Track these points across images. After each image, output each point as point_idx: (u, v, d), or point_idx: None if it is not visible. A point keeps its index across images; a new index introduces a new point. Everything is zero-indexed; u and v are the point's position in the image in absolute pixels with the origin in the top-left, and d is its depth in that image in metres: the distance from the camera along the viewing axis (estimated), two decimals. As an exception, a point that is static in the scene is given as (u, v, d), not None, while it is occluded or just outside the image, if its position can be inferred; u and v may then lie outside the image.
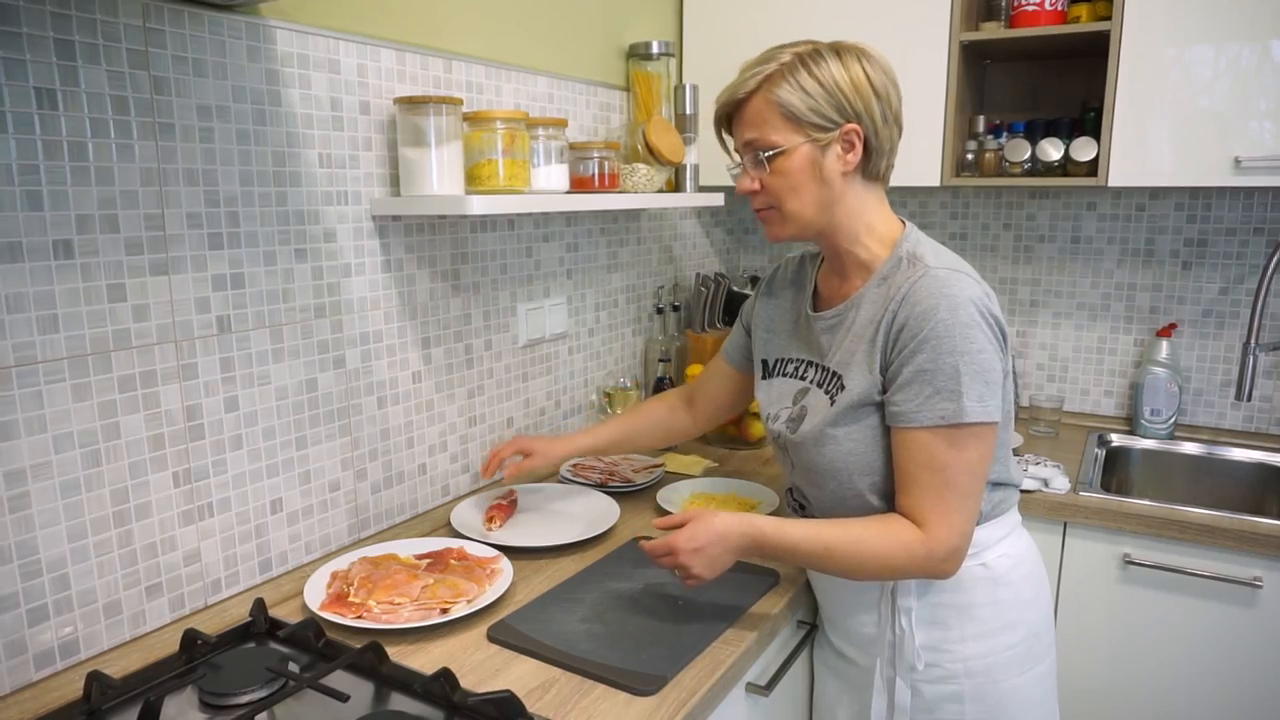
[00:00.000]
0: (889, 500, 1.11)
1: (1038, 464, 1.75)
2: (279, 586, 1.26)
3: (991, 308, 1.05)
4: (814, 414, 1.15)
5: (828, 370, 1.15)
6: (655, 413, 1.51)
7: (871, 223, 1.13)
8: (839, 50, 1.08)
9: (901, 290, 1.06)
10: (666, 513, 1.54)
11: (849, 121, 1.07)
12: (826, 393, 1.14)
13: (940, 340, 1.01)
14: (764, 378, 1.29)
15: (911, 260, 1.09)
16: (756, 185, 1.12)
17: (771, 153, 1.08)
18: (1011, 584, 1.14)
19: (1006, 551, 1.15)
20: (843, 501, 1.15)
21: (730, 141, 1.16)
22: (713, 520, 1.11)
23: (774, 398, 1.25)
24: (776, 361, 1.27)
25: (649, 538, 1.44)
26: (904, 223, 1.16)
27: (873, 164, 1.10)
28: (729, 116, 1.14)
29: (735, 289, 2.28)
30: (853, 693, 1.25)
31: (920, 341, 1.02)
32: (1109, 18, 1.72)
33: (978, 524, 1.11)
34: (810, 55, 1.07)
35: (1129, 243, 2.10)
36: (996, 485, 1.14)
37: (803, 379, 1.20)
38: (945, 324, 1.01)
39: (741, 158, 1.14)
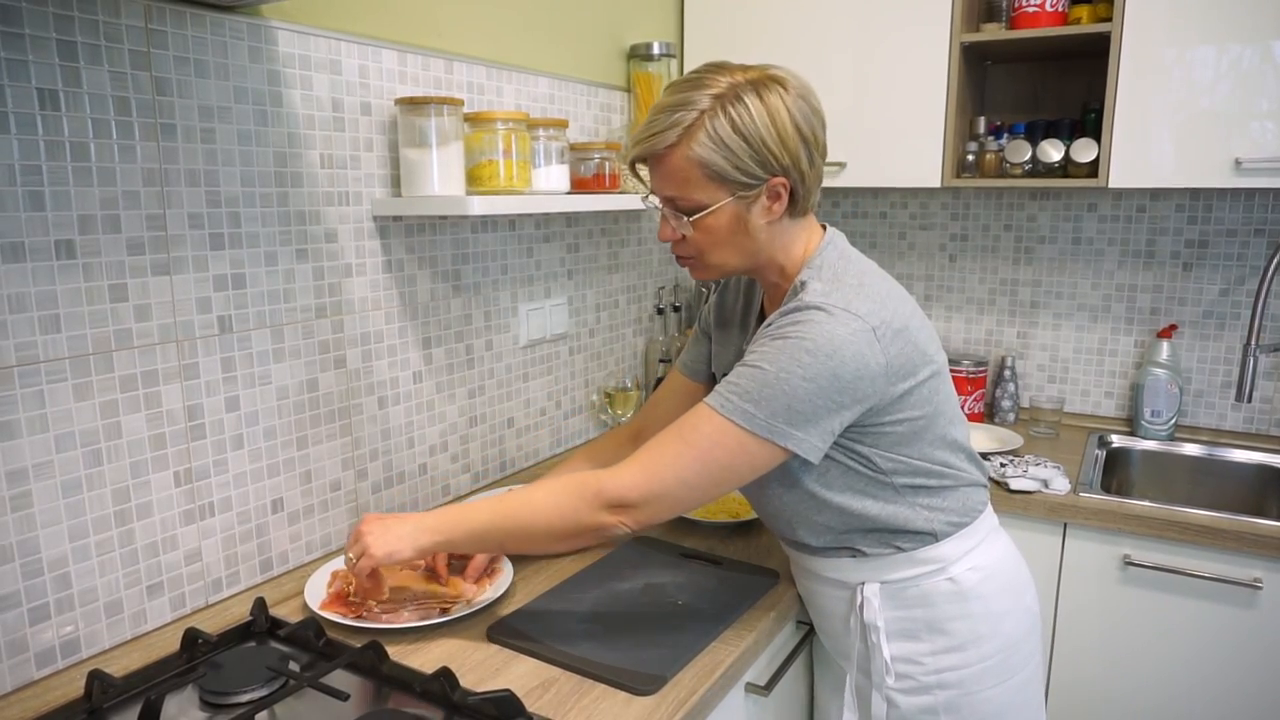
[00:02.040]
0: (830, 536, 1.12)
1: (1038, 465, 1.75)
2: (279, 586, 1.27)
3: (870, 346, 0.97)
4: None
5: None
6: (574, 468, 1.31)
7: (793, 254, 1.09)
8: (758, 86, 0.99)
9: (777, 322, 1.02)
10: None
11: (775, 176, 1.01)
12: None
13: (773, 352, 0.97)
14: None
15: (800, 289, 1.03)
16: (679, 236, 1.06)
17: (696, 214, 1.03)
18: (982, 597, 1.11)
19: (975, 564, 1.12)
20: (783, 537, 1.19)
21: (646, 178, 1.09)
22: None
23: None
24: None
25: (649, 538, 1.44)
26: (824, 228, 1.11)
27: (800, 205, 1.05)
28: (644, 160, 1.06)
29: (736, 290, 2.28)
30: (842, 693, 1.25)
31: (761, 340, 0.99)
32: (1110, 19, 1.72)
33: (938, 539, 1.10)
34: (730, 99, 0.98)
35: (1130, 244, 2.10)
36: (944, 489, 1.10)
37: None
38: (789, 341, 0.96)
39: (660, 205, 1.07)
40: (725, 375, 1.21)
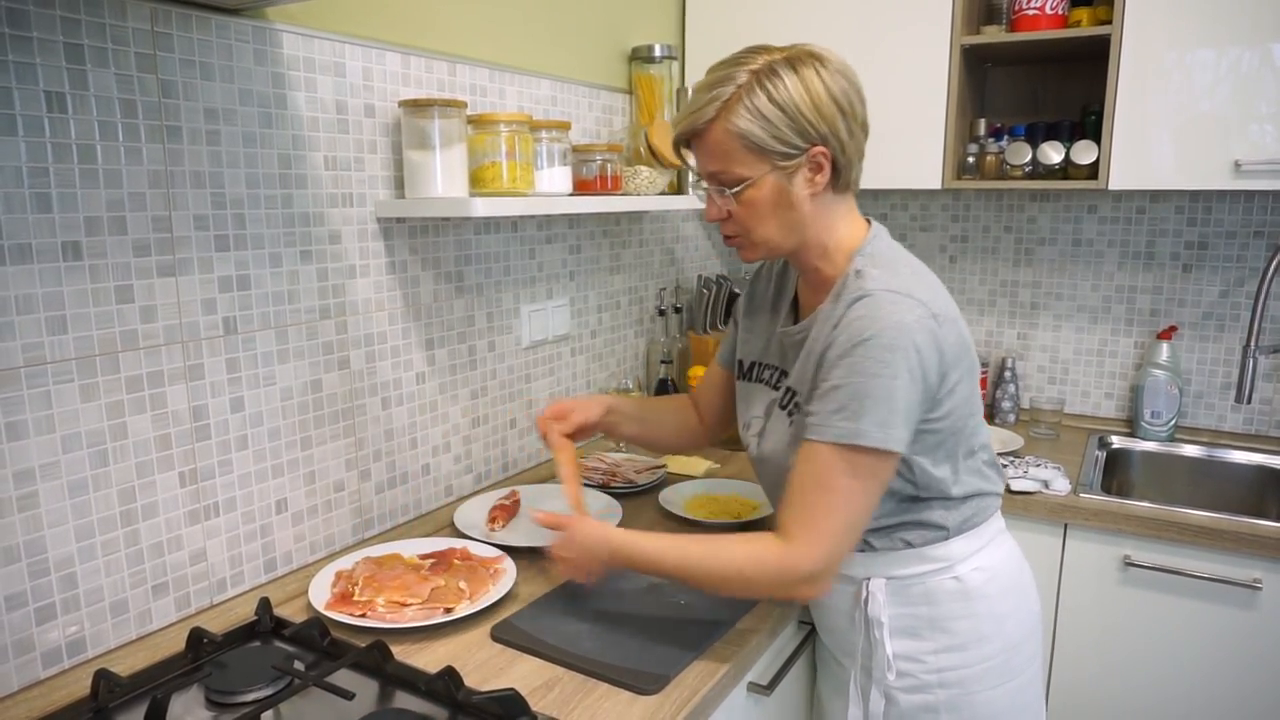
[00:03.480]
0: None
1: (1038, 466, 1.75)
2: (284, 586, 1.27)
3: (933, 332, 0.99)
4: (773, 434, 1.14)
5: (790, 389, 1.13)
6: (670, 404, 1.47)
7: (838, 235, 1.10)
8: (794, 62, 1.02)
9: (839, 312, 1.03)
10: (669, 513, 1.55)
11: (814, 145, 1.03)
12: (787, 414, 1.12)
13: (855, 361, 0.98)
14: (740, 378, 1.27)
15: (858, 276, 1.04)
16: (725, 214, 1.08)
17: (738, 187, 1.04)
18: (987, 598, 1.12)
19: (981, 565, 1.13)
20: None
21: (692, 161, 1.11)
22: (591, 521, 1.16)
23: (749, 404, 1.23)
24: (753, 365, 1.25)
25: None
26: (869, 222, 1.13)
27: (842, 178, 1.07)
28: (689, 141, 1.08)
29: (737, 291, 2.28)
30: (841, 693, 1.26)
31: (837, 358, 1.00)
32: (1109, 22, 1.73)
33: (949, 537, 1.11)
34: (766, 73, 1.01)
35: (1129, 245, 2.11)
36: (966, 498, 1.11)
37: (775, 388, 1.18)
38: (865, 345, 0.98)
39: (705, 184, 1.09)
40: (755, 363, 1.23)
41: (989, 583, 1.13)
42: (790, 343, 1.15)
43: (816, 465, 1.01)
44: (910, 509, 1.10)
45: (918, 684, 1.13)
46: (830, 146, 1.03)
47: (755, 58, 1.03)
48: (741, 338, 1.28)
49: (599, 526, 1.15)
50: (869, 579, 1.13)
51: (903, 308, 0.99)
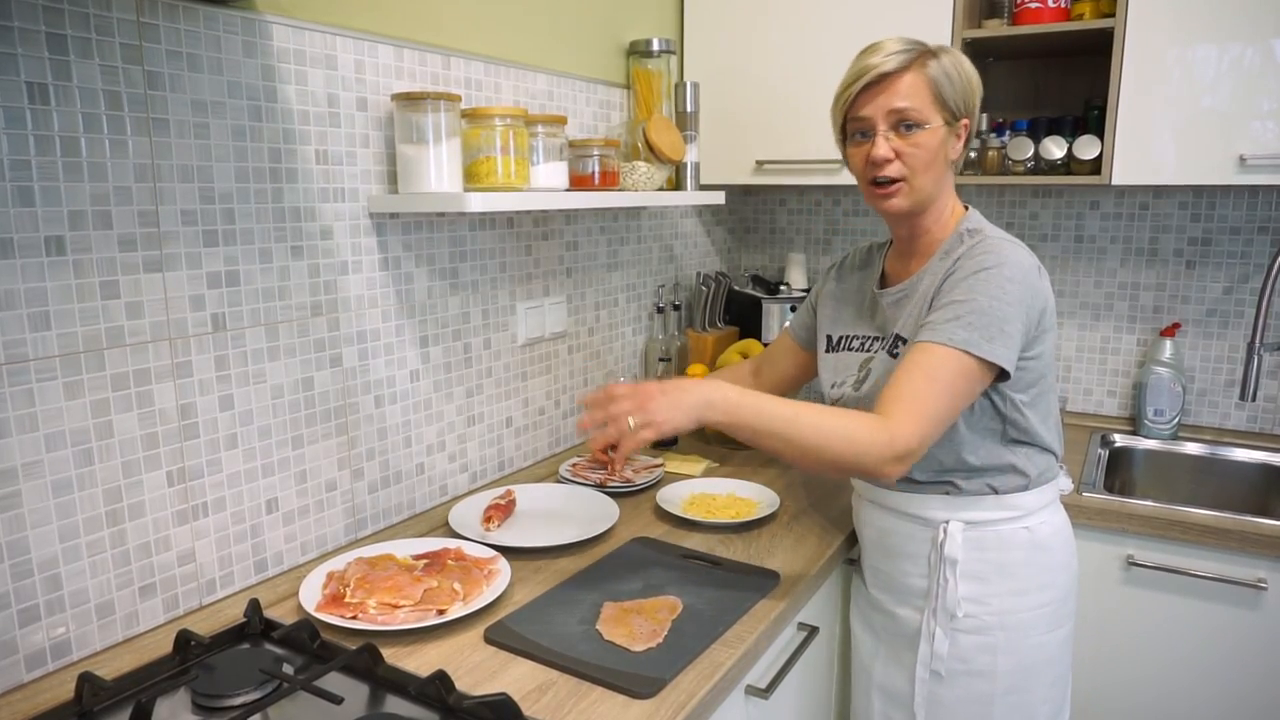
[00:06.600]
0: (934, 472, 1.22)
1: (1040, 464, 1.74)
2: (274, 587, 1.25)
3: (1040, 278, 1.16)
4: (877, 372, 1.25)
5: (893, 336, 1.25)
6: (727, 377, 1.61)
7: (950, 204, 1.26)
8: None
9: (955, 259, 1.18)
10: (667, 514, 1.53)
11: (966, 116, 1.21)
12: (890, 354, 1.24)
13: (977, 282, 1.12)
14: (827, 351, 1.39)
15: (971, 234, 1.21)
16: (893, 155, 1.18)
17: (920, 126, 1.17)
18: (1050, 549, 1.24)
19: (1048, 520, 1.26)
20: None
21: (867, 110, 1.18)
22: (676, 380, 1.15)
23: (839, 369, 1.35)
24: (841, 338, 1.37)
25: (648, 539, 1.43)
26: (967, 207, 1.28)
27: (961, 157, 1.24)
28: (868, 87, 1.17)
29: (736, 288, 2.27)
30: (889, 644, 1.33)
31: (960, 278, 1.14)
32: (1112, 15, 1.71)
33: (1026, 489, 1.23)
34: (944, 51, 1.18)
35: (1132, 242, 2.09)
36: (1046, 450, 1.25)
37: (867, 351, 1.31)
38: (988, 270, 1.12)
39: (876, 128, 1.18)
40: (844, 335, 1.37)
41: (1053, 535, 1.26)
42: (889, 303, 1.29)
43: (929, 359, 1.10)
44: (1006, 451, 1.21)
45: (980, 625, 1.23)
46: (973, 121, 1.22)
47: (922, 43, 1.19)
48: (829, 318, 1.41)
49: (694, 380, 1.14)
50: (948, 521, 1.23)
51: (1021, 251, 1.17)
